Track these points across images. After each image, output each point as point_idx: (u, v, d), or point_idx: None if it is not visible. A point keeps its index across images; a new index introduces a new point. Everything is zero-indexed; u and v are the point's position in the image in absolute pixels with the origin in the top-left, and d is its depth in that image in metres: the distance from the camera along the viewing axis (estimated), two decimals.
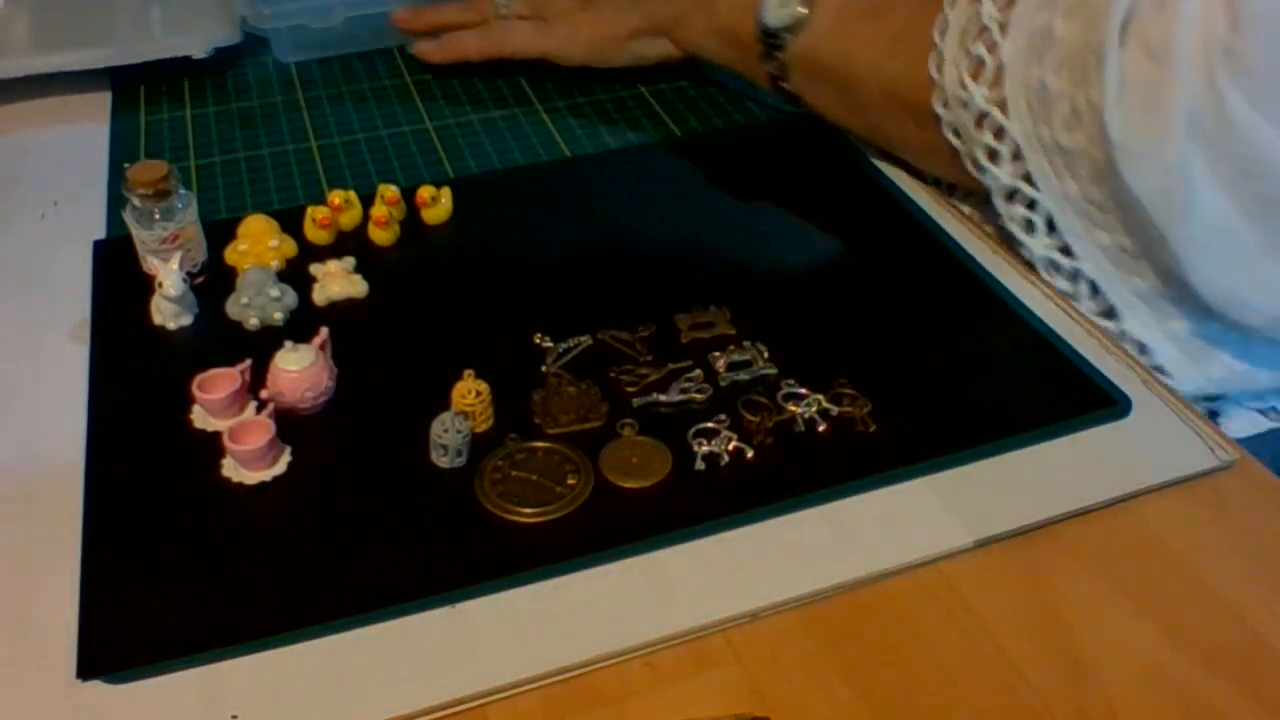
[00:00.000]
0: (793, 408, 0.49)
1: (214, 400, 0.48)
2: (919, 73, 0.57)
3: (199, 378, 0.49)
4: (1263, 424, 0.58)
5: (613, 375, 0.51)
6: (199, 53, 0.77)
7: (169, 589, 0.42)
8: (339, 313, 0.55)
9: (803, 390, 0.50)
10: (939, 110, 0.57)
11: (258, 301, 0.54)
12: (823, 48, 0.63)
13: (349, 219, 0.61)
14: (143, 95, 0.77)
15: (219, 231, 0.58)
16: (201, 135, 0.72)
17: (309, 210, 0.60)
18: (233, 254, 0.58)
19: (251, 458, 0.46)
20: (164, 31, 0.80)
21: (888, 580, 0.43)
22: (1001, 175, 0.55)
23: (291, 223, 0.60)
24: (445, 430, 0.46)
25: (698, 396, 0.50)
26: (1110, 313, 0.54)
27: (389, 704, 0.38)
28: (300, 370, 0.48)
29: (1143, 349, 0.54)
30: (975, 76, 0.55)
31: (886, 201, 0.63)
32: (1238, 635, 0.41)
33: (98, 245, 0.60)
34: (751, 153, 0.69)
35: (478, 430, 0.48)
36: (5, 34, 0.78)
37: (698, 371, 0.51)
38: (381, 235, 0.60)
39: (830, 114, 0.67)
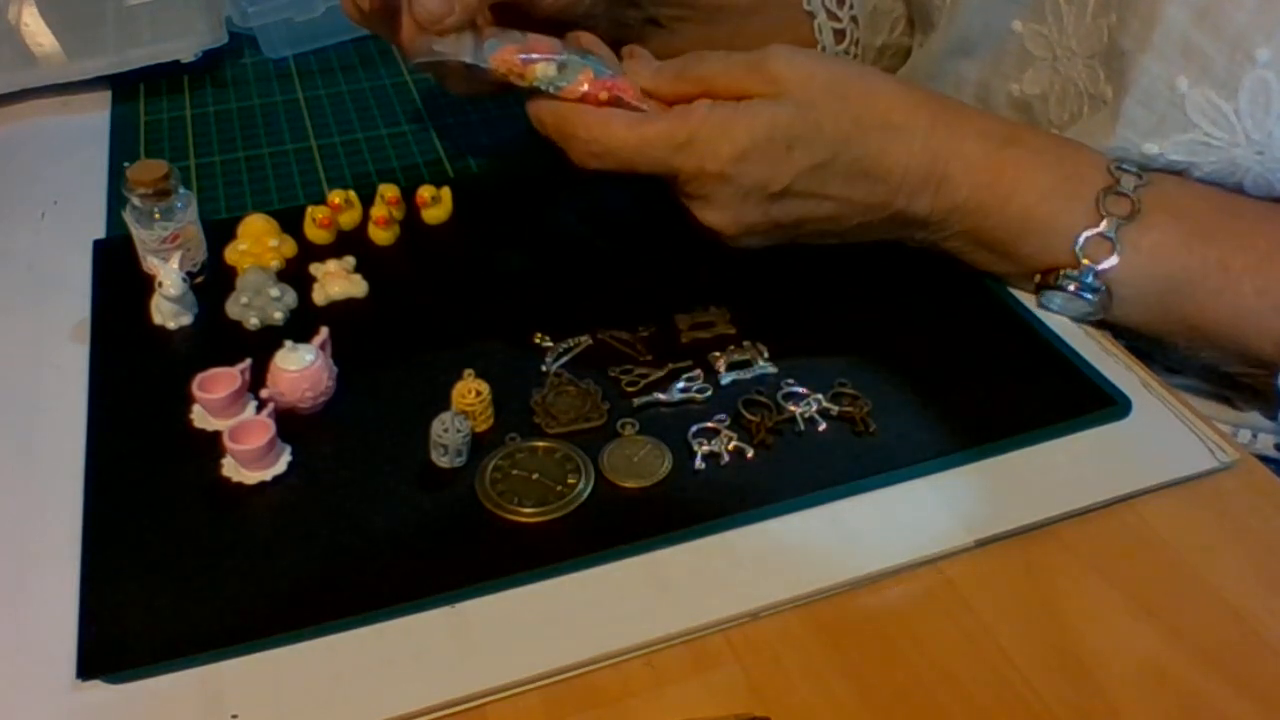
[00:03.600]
0: (793, 408, 0.49)
1: (214, 400, 0.48)
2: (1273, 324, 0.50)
3: (199, 377, 0.49)
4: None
5: (613, 375, 0.51)
6: (187, 56, 0.78)
7: (169, 589, 0.42)
8: (339, 313, 0.55)
9: (803, 390, 0.50)
10: None
11: (258, 301, 0.54)
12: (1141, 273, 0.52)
13: (349, 219, 0.61)
14: (142, 94, 0.77)
15: (219, 231, 0.58)
16: (201, 135, 0.72)
17: (309, 210, 0.60)
18: (233, 254, 0.58)
19: (251, 458, 0.46)
20: (152, 37, 0.80)
21: (888, 580, 0.43)
22: None
23: (291, 223, 0.60)
24: (445, 430, 0.46)
25: (698, 396, 0.50)
26: None
27: (389, 704, 0.38)
28: (300, 370, 0.48)
29: None
30: None
31: None
32: (1238, 635, 0.41)
33: (98, 245, 0.60)
34: None
35: (478, 430, 0.48)
36: None
37: (698, 371, 0.51)
38: (381, 235, 0.60)
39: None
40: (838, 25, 0.75)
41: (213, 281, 0.56)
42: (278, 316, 0.54)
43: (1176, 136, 0.52)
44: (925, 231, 0.54)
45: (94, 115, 0.75)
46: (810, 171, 0.51)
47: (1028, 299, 0.55)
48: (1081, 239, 0.51)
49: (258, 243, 0.58)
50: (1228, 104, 0.50)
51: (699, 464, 0.46)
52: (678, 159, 0.51)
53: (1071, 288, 0.52)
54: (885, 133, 0.51)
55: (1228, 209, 0.52)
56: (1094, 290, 0.51)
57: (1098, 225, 0.50)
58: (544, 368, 0.51)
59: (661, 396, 0.50)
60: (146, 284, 0.54)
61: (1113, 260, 0.51)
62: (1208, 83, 0.50)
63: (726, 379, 0.51)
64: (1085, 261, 0.51)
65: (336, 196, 0.61)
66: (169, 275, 0.53)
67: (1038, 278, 0.54)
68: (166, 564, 0.43)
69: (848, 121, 0.51)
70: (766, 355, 0.52)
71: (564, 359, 0.52)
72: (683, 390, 0.50)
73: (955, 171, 0.51)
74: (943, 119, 0.52)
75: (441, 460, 0.46)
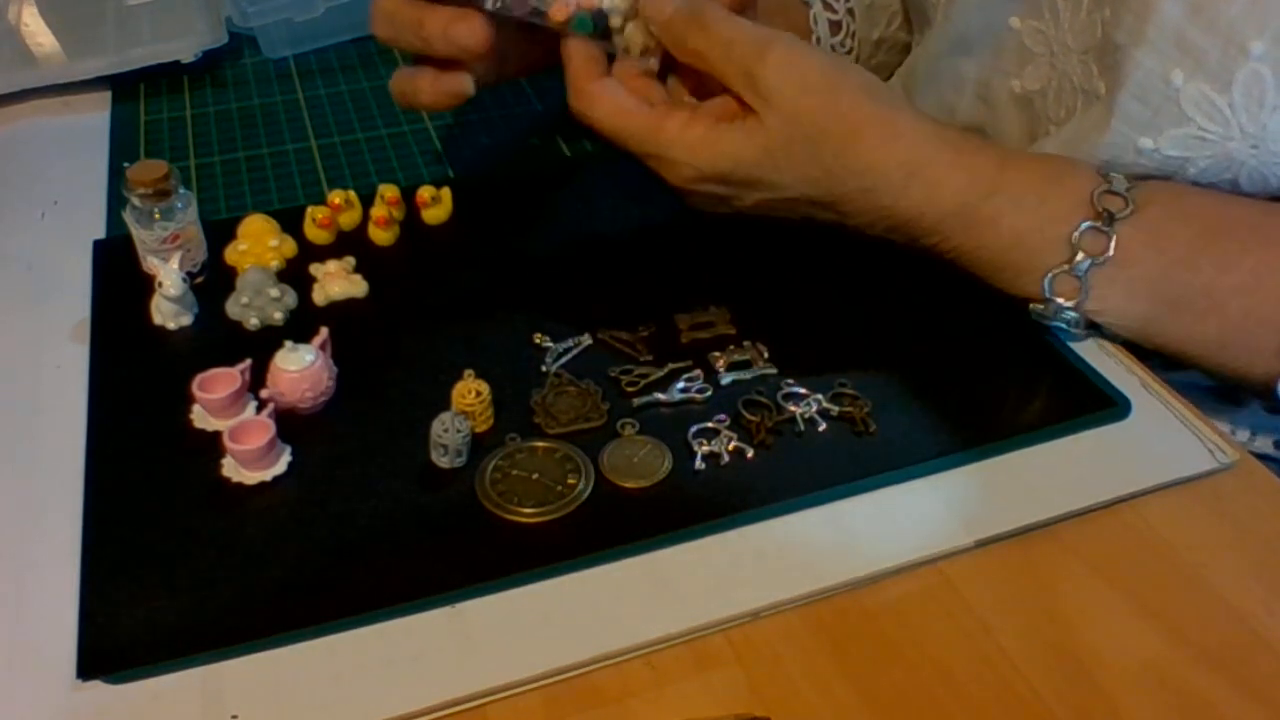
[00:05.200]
0: (793, 408, 0.49)
1: (214, 400, 0.48)
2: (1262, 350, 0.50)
3: (199, 378, 0.49)
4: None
5: (613, 375, 0.51)
6: (187, 56, 0.78)
7: (169, 589, 0.42)
8: (339, 313, 0.55)
9: (803, 390, 0.50)
10: None
11: (258, 301, 0.54)
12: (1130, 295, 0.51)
13: (349, 219, 0.61)
14: (142, 94, 0.77)
15: (219, 231, 0.58)
16: (201, 135, 0.72)
17: (309, 210, 0.60)
18: (233, 254, 0.58)
19: (251, 458, 0.46)
20: (152, 38, 0.80)
21: (888, 580, 0.43)
22: None
23: (291, 223, 0.59)
24: (445, 430, 0.46)
25: (698, 396, 0.50)
26: None
27: (389, 704, 0.38)
28: (300, 370, 0.48)
29: None
30: None
31: None
32: (1238, 635, 0.41)
33: (98, 245, 0.60)
34: None
35: (478, 430, 0.48)
36: None
37: (698, 371, 0.51)
38: (381, 235, 0.60)
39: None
40: (833, 17, 0.75)
41: (213, 281, 0.56)
42: (278, 317, 0.54)
43: (1171, 131, 0.52)
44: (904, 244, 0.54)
45: (94, 115, 0.75)
46: (770, 202, 0.52)
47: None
48: (1051, 276, 0.50)
49: (258, 243, 0.58)
50: (1222, 97, 0.50)
51: (699, 464, 0.46)
52: (647, 160, 0.53)
53: (1049, 316, 0.51)
54: (860, 180, 0.50)
55: (1216, 229, 0.51)
56: (1071, 322, 0.51)
57: (1069, 265, 0.50)
58: (544, 368, 0.51)
59: (661, 396, 0.50)
60: (146, 284, 0.54)
61: (1083, 297, 0.50)
62: (1202, 76, 0.50)
63: (726, 379, 0.51)
64: (1059, 299, 0.51)
65: (336, 196, 0.61)
66: (169, 275, 0.53)
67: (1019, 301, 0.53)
68: (166, 564, 0.43)
69: (818, 168, 0.50)
70: (766, 355, 0.52)
71: (564, 359, 0.52)
72: (683, 390, 0.50)
73: (928, 224, 0.51)
74: (922, 175, 0.50)
75: (441, 460, 0.46)
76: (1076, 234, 0.50)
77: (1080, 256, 0.50)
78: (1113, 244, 0.49)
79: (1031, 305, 0.52)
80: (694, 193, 0.53)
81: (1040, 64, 0.60)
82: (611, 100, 0.52)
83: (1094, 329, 0.52)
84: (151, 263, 0.54)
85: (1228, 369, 0.51)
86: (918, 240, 0.53)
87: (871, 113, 0.51)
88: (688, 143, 0.51)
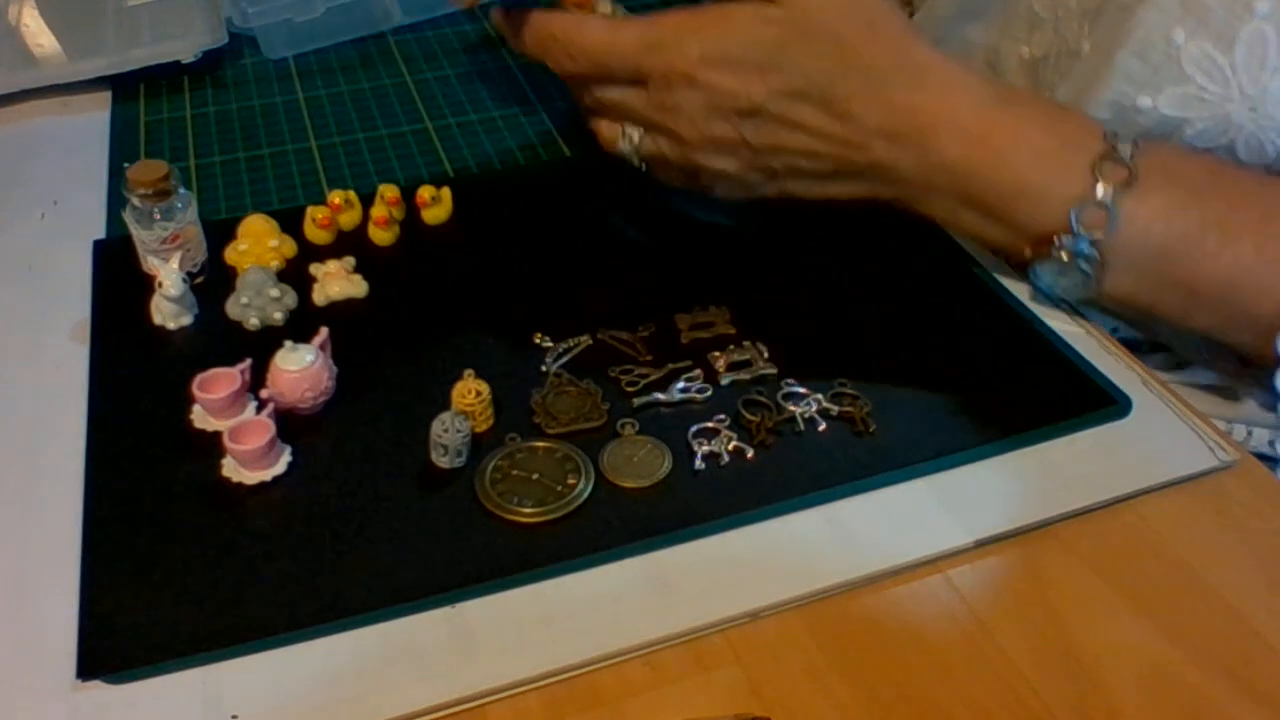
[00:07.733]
0: (793, 408, 0.49)
1: (214, 400, 0.48)
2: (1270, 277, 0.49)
3: (199, 378, 0.49)
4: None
5: (613, 375, 0.51)
6: (187, 57, 0.78)
7: (169, 589, 0.42)
8: (339, 313, 0.55)
9: (803, 390, 0.50)
10: None
11: (258, 301, 0.54)
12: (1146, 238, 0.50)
13: (349, 219, 0.61)
14: (142, 94, 0.77)
15: (219, 231, 0.58)
16: (201, 135, 0.72)
17: (309, 210, 0.60)
18: (233, 254, 0.58)
19: (251, 458, 0.46)
20: (152, 38, 0.80)
21: (888, 580, 0.43)
22: None
23: (291, 223, 0.59)
24: (445, 430, 0.46)
25: (698, 396, 0.50)
26: None
27: (389, 704, 0.38)
28: (300, 370, 0.48)
29: None
30: None
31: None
32: (1238, 635, 0.41)
33: (98, 245, 0.60)
34: None
35: (478, 430, 0.48)
36: None
37: (698, 371, 0.51)
38: (381, 235, 0.60)
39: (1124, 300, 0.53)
40: None
41: (213, 281, 0.56)
42: (278, 317, 0.54)
43: (1170, 89, 0.52)
44: (910, 189, 0.53)
45: (94, 115, 0.75)
46: (783, 95, 0.50)
47: (1022, 291, 0.55)
48: (1077, 207, 0.50)
49: (258, 243, 0.58)
50: (1224, 57, 0.50)
51: (699, 464, 0.46)
52: (648, 59, 0.50)
53: (1065, 257, 0.51)
54: (869, 76, 0.50)
55: (1226, 172, 0.52)
56: (1088, 259, 0.50)
57: (1094, 192, 0.49)
58: (544, 368, 0.51)
59: (661, 396, 0.50)
60: (146, 284, 0.54)
61: (1109, 228, 0.50)
62: (1205, 35, 0.50)
63: (726, 379, 0.51)
64: (1082, 230, 0.50)
65: (336, 196, 0.61)
66: (169, 275, 0.53)
67: (1028, 251, 0.53)
68: (166, 564, 0.43)
69: (832, 58, 0.50)
70: (766, 355, 0.52)
71: (564, 359, 0.52)
72: (683, 390, 0.50)
73: (944, 128, 0.51)
74: (936, 75, 0.51)
75: (441, 460, 0.46)
76: (1096, 162, 0.49)
77: (1104, 187, 0.49)
78: (1133, 173, 0.49)
79: (1036, 265, 0.51)
80: (701, 85, 0.49)
81: (1046, 30, 0.60)
82: (598, 20, 0.51)
83: (1096, 286, 0.52)
84: (151, 263, 0.54)
85: (1231, 312, 0.50)
86: (932, 157, 0.51)
87: (888, 11, 0.52)
88: (692, 21, 0.49)
